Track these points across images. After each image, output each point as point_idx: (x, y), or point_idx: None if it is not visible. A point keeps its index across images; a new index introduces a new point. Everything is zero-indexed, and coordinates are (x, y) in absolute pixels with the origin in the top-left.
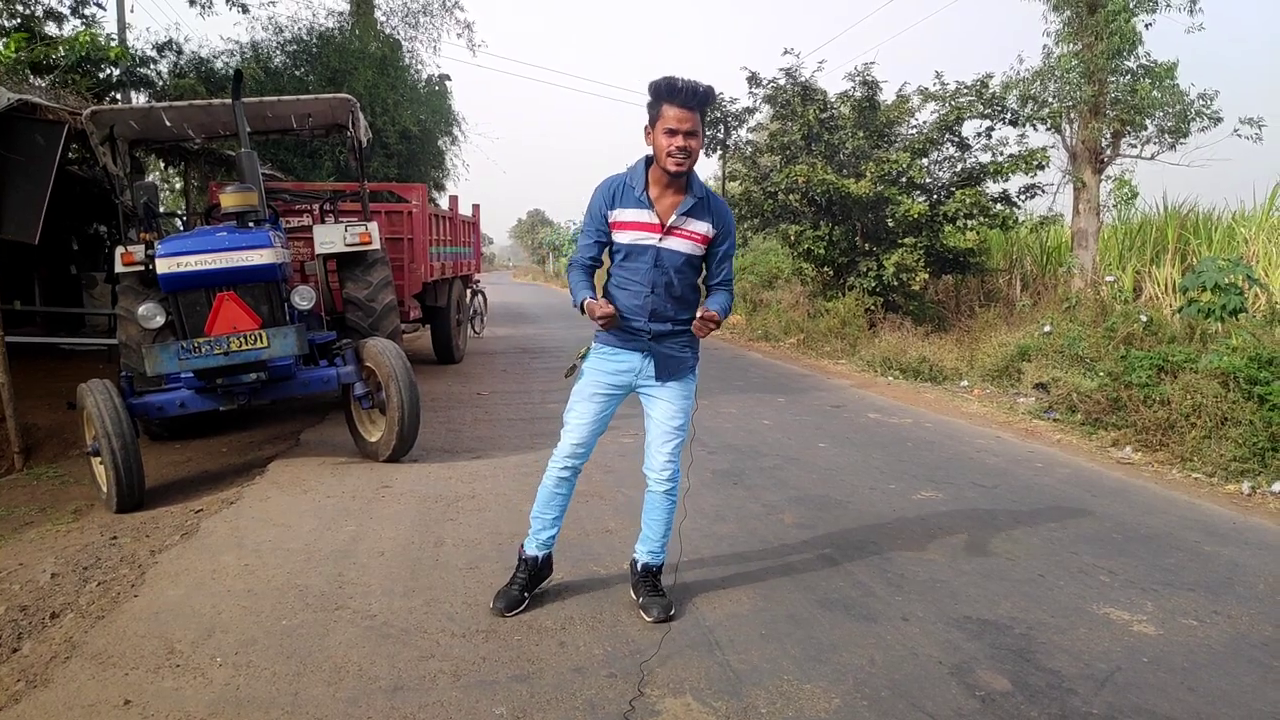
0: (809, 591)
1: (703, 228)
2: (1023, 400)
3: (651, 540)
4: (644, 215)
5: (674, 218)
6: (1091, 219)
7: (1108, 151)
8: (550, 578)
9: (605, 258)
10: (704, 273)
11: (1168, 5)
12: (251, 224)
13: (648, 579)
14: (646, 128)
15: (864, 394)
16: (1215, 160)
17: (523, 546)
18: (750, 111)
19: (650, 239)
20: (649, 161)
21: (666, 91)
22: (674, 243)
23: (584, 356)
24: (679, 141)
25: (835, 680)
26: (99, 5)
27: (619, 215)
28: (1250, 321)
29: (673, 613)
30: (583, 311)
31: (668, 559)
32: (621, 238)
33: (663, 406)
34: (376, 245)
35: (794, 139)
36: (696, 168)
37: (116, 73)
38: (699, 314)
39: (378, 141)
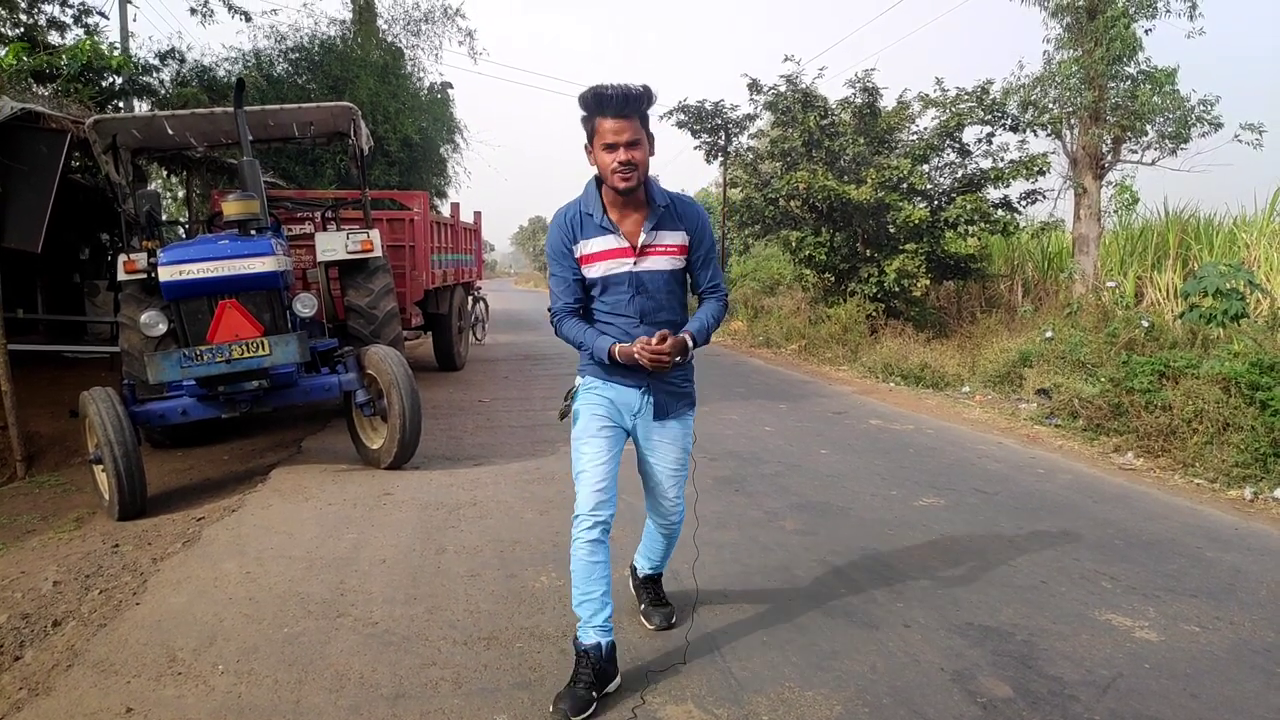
0: (810, 599)
1: (677, 238)
2: (1024, 406)
3: (653, 558)
4: (611, 241)
5: (644, 235)
6: (1093, 224)
7: (1108, 157)
8: (615, 679)
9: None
10: (689, 284)
11: (1167, 11)
12: (253, 232)
13: (650, 586)
14: (586, 146)
15: (865, 400)
16: (1216, 166)
17: (577, 638)
18: (751, 118)
19: (625, 265)
20: (600, 182)
21: (595, 103)
22: (652, 262)
23: (573, 396)
24: (620, 156)
25: (837, 687)
26: (101, 14)
27: (584, 248)
28: (1252, 327)
29: (675, 620)
30: (611, 362)
31: (682, 573)
32: (593, 271)
33: (663, 450)
34: (378, 253)
35: (795, 145)
36: (694, 174)
37: (119, 81)
38: (654, 344)
39: (379, 149)
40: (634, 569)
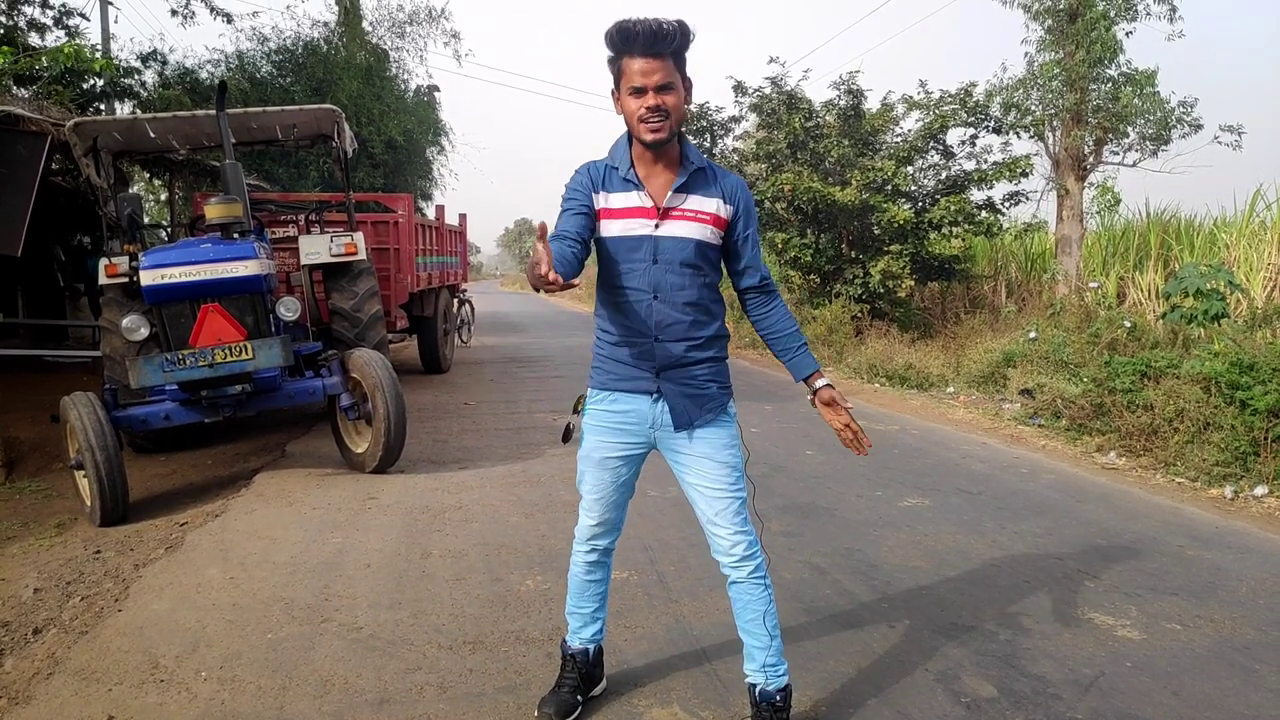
0: (795, 600)
1: (711, 205)
2: (1008, 406)
3: (758, 653)
4: (634, 198)
5: (669, 195)
6: (1075, 226)
7: (1090, 158)
8: (601, 682)
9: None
10: (724, 271)
11: (1148, 13)
12: (236, 235)
13: (770, 712)
14: (613, 92)
15: (850, 401)
16: (1196, 167)
17: (565, 642)
18: (736, 120)
19: (644, 226)
20: (631, 138)
21: (622, 40)
22: (675, 227)
23: (580, 410)
24: (649, 101)
25: (821, 688)
26: (83, 16)
27: (605, 200)
28: (1231, 326)
29: None
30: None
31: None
32: (610, 229)
33: (702, 467)
34: (362, 255)
35: (780, 147)
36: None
37: (100, 84)
38: (820, 392)
39: (364, 151)
40: (751, 688)
